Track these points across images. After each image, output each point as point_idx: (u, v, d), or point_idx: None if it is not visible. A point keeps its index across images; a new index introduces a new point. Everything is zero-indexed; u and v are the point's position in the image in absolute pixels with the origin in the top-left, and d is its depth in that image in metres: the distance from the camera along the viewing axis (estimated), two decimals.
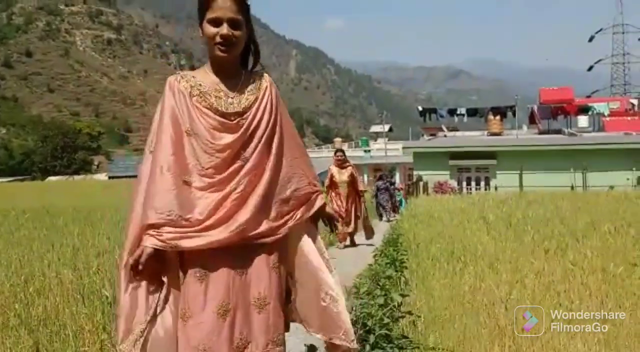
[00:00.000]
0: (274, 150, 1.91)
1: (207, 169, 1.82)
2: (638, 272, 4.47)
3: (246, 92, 1.92)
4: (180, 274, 1.84)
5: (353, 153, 47.59)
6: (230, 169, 1.83)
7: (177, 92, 1.87)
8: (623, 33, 78.46)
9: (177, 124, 1.83)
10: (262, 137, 1.89)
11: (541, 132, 32.02)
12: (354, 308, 2.66)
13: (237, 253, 1.80)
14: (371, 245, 7.77)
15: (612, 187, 18.25)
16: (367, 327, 2.46)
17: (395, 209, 16.94)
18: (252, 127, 1.88)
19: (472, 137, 31.30)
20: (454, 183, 23.72)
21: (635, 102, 31.55)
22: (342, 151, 8.86)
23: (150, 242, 1.73)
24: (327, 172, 8.84)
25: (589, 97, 51.24)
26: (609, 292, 4.03)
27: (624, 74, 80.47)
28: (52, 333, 3.36)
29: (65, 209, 11.27)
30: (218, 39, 1.81)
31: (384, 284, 3.69)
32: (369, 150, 45.42)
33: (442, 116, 30.37)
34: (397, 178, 35.35)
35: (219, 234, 1.76)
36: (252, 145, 1.87)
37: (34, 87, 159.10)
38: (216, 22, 1.81)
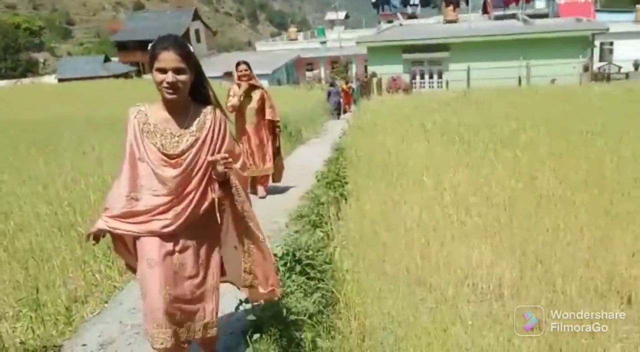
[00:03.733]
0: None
1: (158, 193, 2.24)
2: (537, 184, 5.31)
3: (188, 134, 2.27)
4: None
5: (309, 44, 46.99)
6: (178, 195, 2.25)
7: (132, 126, 2.26)
8: None
9: (132, 154, 2.25)
10: (200, 171, 2.27)
11: (496, 18, 32.23)
12: (286, 243, 3.35)
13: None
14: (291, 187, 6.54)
15: (553, 81, 19.09)
16: (296, 258, 3.16)
17: (349, 104, 20.63)
18: (190, 166, 2.25)
19: (426, 26, 31.27)
20: (407, 77, 24.19)
21: None
22: (247, 64, 6.17)
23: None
24: (228, 92, 6.22)
25: None
26: (507, 203, 4.86)
27: None
28: (39, 265, 3.95)
29: (20, 124, 11.37)
30: (165, 85, 2.15)
31: (318, 211, 4.37)
32: (325, 42, 44.70)
33: (395, 7, 29.96)
34: (354, 71, 35.52)
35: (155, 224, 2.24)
36: (197, 178, 2.26)
37: None
38: (163, 71, 2.14)
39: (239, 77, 6.08)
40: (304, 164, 7.45)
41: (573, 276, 3.58)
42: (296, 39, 51.45)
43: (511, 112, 9.58)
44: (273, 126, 6.33)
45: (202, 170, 2.27)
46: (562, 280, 3.54)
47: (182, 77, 2.17)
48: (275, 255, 3.11)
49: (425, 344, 2.83)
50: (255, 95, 6.14)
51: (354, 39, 32.18)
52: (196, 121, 2.29)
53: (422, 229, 4.40)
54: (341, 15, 53.15)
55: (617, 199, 4.77)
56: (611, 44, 32.51)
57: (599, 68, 26.57)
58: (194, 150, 2.26)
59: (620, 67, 25.37)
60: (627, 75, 24.33)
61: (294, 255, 3.13)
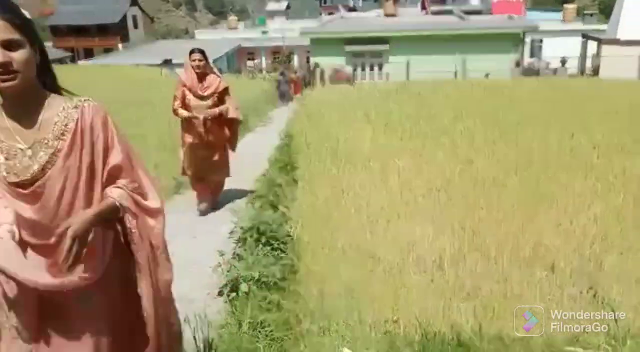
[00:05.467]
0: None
1: (31, 241, 1.50)
2: (473, 168, 5.80)
3: (43, 145, 1.49)
4: None
5: (250, 34, 46.64)
6: (54, 242, 1.43)
7: None
8: None
9: None
10: (74, 203, 1.51)
11: (433, 13, 33.36)
12: (251, 217, 3.62)
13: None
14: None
15: (487, 76, 20.06)
16: (261, 231, 3.44)
17: (300, 93, 20.67)
18: (54, 197, 1.48)
19: (367, 19, 31.96)
20: (349, 69, 24.70)
21: None
22: (202, 52, 5.04)
23: None
24: (177, 88, 5.08)
25: None
26: (447, 185, 5.31)
27: None
28: None
29: None
30: None
31: (275, 192, 4.65)
32: (266, 32, 44.55)
33: None
34: (296, 62, 35.75)
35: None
36: (67, 214, 1.49)
37: None
38: None
39: (193, 68, 4.98)
40: (255, 150, 7.68)
41: (505, 247, 4.03)
42: (237, 28, 50.91)
43: (449, 104, 10.14)
44: (232, 124, 5.27)
45: (77, 200, 1.52)
46: (495, 251, 3.99)
47: (19, 54, 1.41)
48: (241, 228, 3.37)
49: (377, 306, 3.18)
50: (212, 87, 5.06)
51: (295, 30, 32.39)
52: (53, 123, 1.51)
53: (371, 209, 4.76)
54: (282, 5, 53.09)
55: (543, 181, 5.32)
56: (541, 41, 34.26)
57: (529, 64, 28.02)
58: (54, 170, 1.49)
59: (548, 63, 26.87)
60: (554, 70, 25.81)
61: (258, 228, 3.40)
